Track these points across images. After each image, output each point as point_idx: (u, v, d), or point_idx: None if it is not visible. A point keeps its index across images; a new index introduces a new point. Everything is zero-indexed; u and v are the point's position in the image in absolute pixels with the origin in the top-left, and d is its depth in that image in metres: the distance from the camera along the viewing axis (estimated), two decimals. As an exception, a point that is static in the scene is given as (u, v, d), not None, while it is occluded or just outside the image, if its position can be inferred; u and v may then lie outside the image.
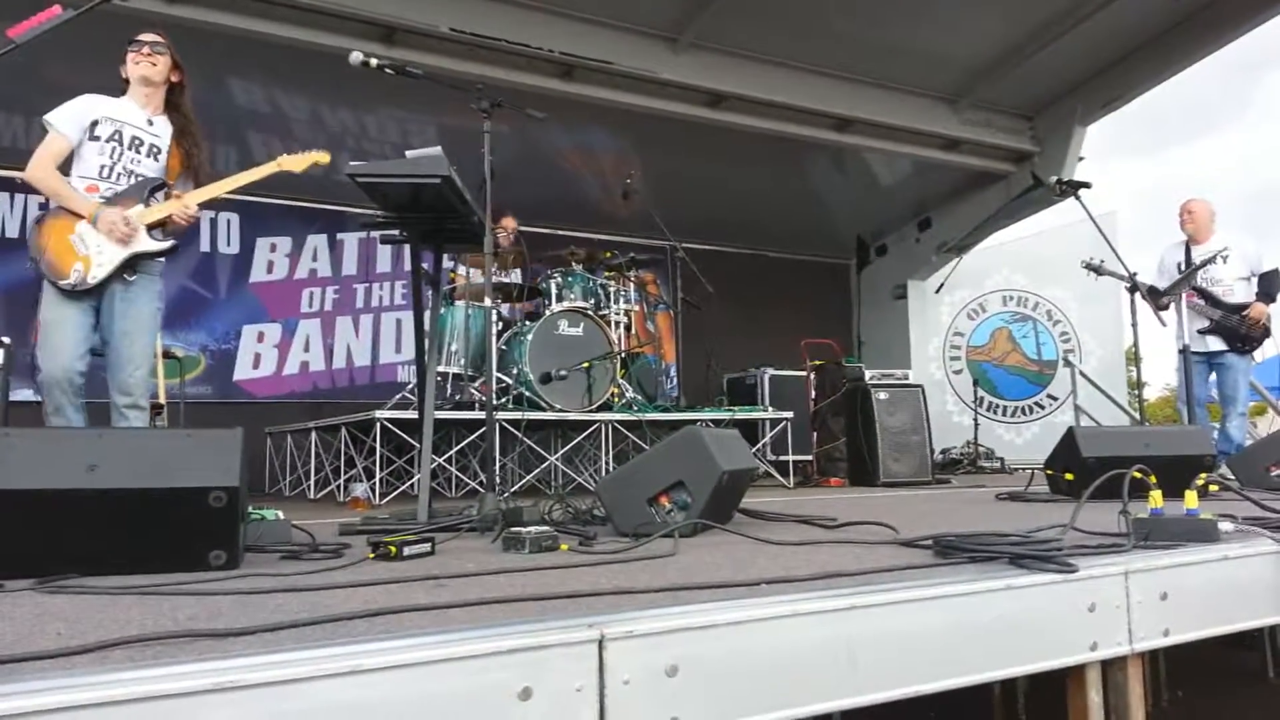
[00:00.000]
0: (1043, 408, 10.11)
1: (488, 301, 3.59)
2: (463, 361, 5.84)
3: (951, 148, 8.58)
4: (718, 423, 5.95)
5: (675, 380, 8.83)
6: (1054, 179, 5.35)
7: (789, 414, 6.53)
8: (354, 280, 8.68)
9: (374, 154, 7.90)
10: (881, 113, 8.02)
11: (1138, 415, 8.21)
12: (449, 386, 5.84)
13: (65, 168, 3.46)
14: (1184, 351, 5.44)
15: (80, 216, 3.39)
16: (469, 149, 3.44)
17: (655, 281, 9.44)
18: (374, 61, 3.33)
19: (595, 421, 5.85)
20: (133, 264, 3.45)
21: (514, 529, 2.43)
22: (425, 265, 3.52)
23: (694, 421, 5.55)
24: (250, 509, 2.47)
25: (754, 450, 5.86)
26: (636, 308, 6.78)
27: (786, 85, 7.53)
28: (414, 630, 1.30)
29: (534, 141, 7.83)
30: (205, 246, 8.01)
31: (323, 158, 3.77)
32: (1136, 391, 9.39)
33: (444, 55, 6.30)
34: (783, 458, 6.57)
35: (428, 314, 3.59)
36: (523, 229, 6.69)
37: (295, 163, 3.70)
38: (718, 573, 1.86)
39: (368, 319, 8.70)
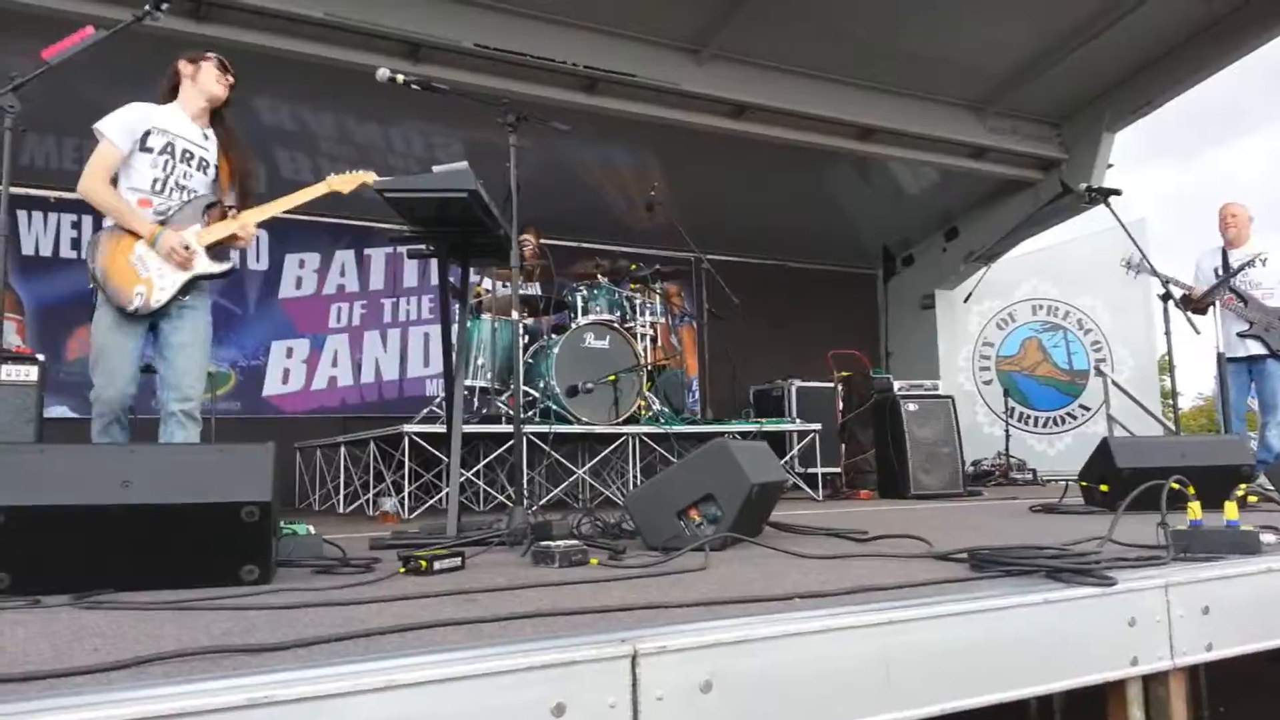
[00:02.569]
0: (1075, 418, 9.98)
1: (514, 315, 3.58)
2: (490, 375, 5.85)
3: (978, 156, 8.51)
4: (745, 435, 5.92)
5: (697, 394, 8.82)
6: (1083, 186, 5.29)
7: (817, 426, 6.48)
8: (381, 295, 8.75)
9: (401, 169, 7.96)
10: (905, 121, 7.98)
11: (1172, 425, 8.09)
12: (476, 400, 5.86)
13: (112, 178, 3.41)
14: (1221, 359, 5.34)
15: (138, 236, 3.36)
16: (494, 163, 3.46)
17: (680, 294, 9.43)
18: (400, 77, 3.35)
19: (622, 434, 5.84)
20: (190, 286, 3.47)
21: (543, 543, 2.43)
22: (452, 279, 3.53)
23: (722, 434, 5.53)
24: (282, 524, 2.49)
25: (782, 463, 5.82)
26: (662, 320, 6.78)
27: (809, 95, 7.52)
28: (446, 645, 1.30)
29: (558, 155, 7.87)
30: (234, 263, 8.10)
31: (369, 178, 3.72)
32: (1170, 401, 9.26)
33: (469, 70, 6.36)
34: (811, 470, 6.51)
35: (455, 328, 3.60)
36: (547, 242, 6.70)
37: (344, 183, 3.69)
38: (750, 587, 1.85)
39: (395, 334, 8.75)
